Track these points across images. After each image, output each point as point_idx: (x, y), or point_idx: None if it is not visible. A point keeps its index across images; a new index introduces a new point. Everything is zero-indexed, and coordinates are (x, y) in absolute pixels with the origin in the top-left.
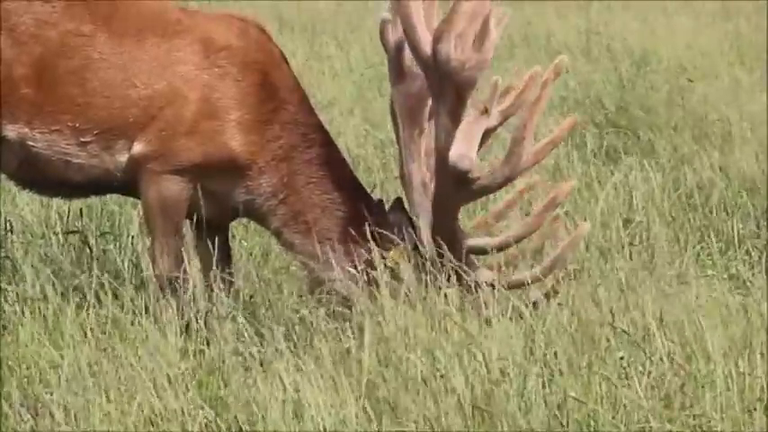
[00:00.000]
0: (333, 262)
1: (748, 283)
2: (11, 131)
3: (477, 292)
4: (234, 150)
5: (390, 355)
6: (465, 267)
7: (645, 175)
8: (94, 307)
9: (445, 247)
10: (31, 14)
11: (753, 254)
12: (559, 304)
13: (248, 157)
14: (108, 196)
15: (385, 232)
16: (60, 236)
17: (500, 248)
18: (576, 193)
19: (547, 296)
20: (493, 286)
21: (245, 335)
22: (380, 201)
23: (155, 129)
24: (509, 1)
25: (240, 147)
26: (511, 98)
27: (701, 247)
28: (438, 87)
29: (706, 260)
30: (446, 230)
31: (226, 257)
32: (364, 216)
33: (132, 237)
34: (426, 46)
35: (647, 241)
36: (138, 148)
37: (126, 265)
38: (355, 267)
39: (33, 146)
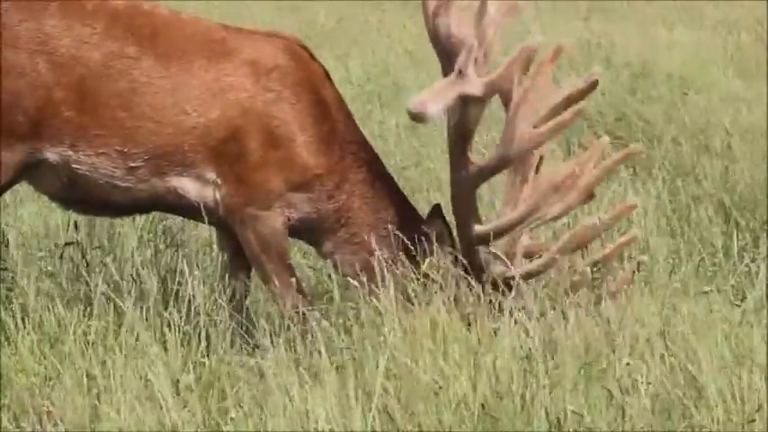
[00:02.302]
0: (379, 281)
1: (747, 296)
2: (53, 154)
3: (493, 287)
4: (310, 172)
5: (394, 364)
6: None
7: (643, 187)
8: (96, 319)
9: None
10: (70, 36)
11: (752, 267)
12: (564, 319)
13: (322, 179)
14: None
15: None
16: (60, 248)
17: (502, 233)
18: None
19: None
20: (507, 282)
21: (247, 346)
22: (436, 206)
23: (227, 166)
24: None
25: (314, 168)
26: (499, 69)
27: (700, 260)
28: (442, 64)
29: (705, 273)
30: (460, 218)
31: (247, 266)
32: (411, 232)
33: (132, 249)
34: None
35: (647, 253)
36: (222, 192)
37: (125, 276)
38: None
39: (78, 168)
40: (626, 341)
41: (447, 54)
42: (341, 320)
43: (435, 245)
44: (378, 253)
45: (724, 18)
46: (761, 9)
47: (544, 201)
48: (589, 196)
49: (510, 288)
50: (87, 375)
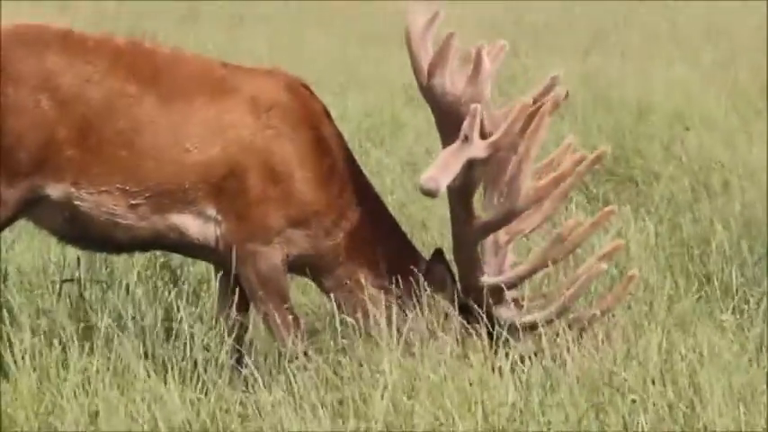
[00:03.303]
0: (379, 321)
1: (747, 332)
2: (55, 191)
3: (499, 330)
4: (309, 209)
5: (393, 402)
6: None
7: (642, 225)
8: (96, 356)
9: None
10: (72, 74)
11: (751, 302)
12: (561, 356)
13: (321, 216)
14: None
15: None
16: (58, 285)
17: (512, 285)
18: None
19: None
20: (513, 326)
21: (245, 383)
22: (438, 251)
23: (227, 202)
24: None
25: (312, 205)
26: (501, 129)
27: (700, 296)
28: (439, 122)
29: (705, 309)
30: (465, 270)
31: (246, 302)
32: (409, 271)
33: (129, 285)
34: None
35: (646, 290)
36: (222, 228)
37: (124, 313)
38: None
39: (80, 205)
40: (626, 378)
41: (444, 111)
42: (339, 358)
43: (435, 289)
44: (375, 292)
45: (721, 56)
46: (758, 46)
47: (551, 254)
48: (563, 200)
49: (512, 332)
50: (88, 413)
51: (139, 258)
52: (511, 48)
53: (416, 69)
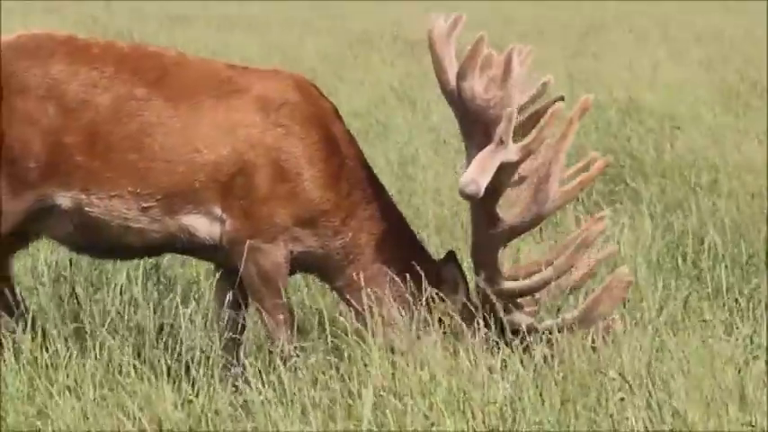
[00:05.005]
0: (389, 320)
1: (736, 331)
2: (65, 199)
3: (515, 336)
4: (317, 208)
5: (382, 401)
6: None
7: (632, 224)
8: (87, 357)
9: (487, 290)
10: (78, 81)
11: (740, 301)
12: (552, 355)
13: (328, 215)
14: None
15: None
16: (50, 285)
17: (531, 291)
18: None
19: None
20: (528, 331)
21: (236, 383)
22: (450, 252)
23: (234, 200)
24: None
25: (321, 204)
26: (533, 134)
27: (689, 295)
28: (465, 125)
29: (695, 308)
30: (486, 273)
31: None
32: (419, 272)
33: (121, 285)
34: (453, 81)
35: (636, 289)
36: (227, 225)
37: (115, 314)
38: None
39: (91, 212)
40: (615, 377)
41: (472, 114)
42: (329, 357)
43: (446, 290)
44: (384, 292)
45: (709, 55)
46: (746, 46)
47: (574, 261)
48: (567, 202)
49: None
50: (79, 414)
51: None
52: (499, 48)
53: (439, 72)
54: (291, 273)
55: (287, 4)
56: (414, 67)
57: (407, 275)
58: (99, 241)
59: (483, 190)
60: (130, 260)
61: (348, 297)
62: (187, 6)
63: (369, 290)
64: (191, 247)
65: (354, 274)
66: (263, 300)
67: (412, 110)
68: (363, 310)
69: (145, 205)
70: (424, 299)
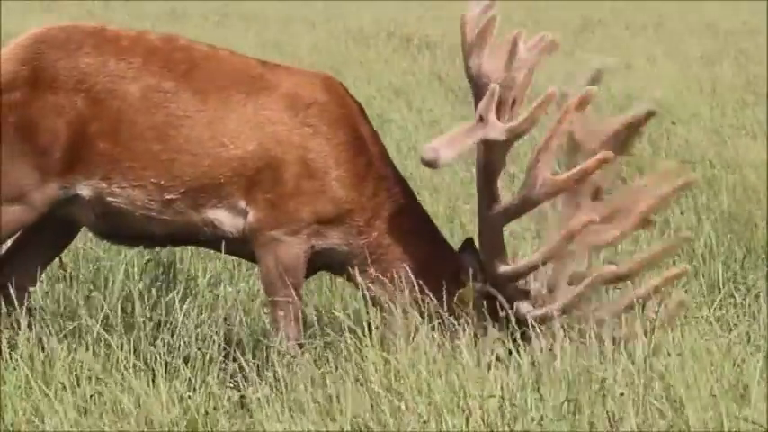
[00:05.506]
0: (411, 317)
1: (732, 327)
2: (87, 188)
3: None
4: (341, 207)
5: (378, 399)
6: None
7: None
8: (84, 353)
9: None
10: (106, 72)
11: (737, 297)
12: (550, 350)
13: (353, 214)
14: (94, 242)
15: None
16: (45, 283)
17: (519, 276)
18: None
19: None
20: (528, 320)
21: (231, 379)
22: (468, 240)
23: (258, 193)
24: None
25: (346, 203)
26: (523, 115)
27: (686, 290)
28: (475, 102)
29: (691, 303)
30: (487, 256)
31: None
32: (443, 270)
33: (117, 281)
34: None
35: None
36: (250, 216)
37: (113, 310)
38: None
39: (113, 201)
40: (615, 372)
41: (478, 92)
42: (326, 353)
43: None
44: (408, 290)
45: (706, 51)
46: (742, 41)
47: (564, 246)
48: (646, 223)
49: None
50: (76, 410)
51: (128, 255)
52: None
53: (465, 53)
54: (313, 270)
55: (284, 1)
56: (410, 63)
57: (431, 274)
58: (122, 230)
59: (443, 160)
60: (155, 248)
61: (371, 294)
62: (184, 2)
63: (391, 288)
64: (214, 239)
65: (377, 272)
66: (277, 292)
67: (408, 106)
68: (385, 308)
69: (168, 197)
70: (446, 299)
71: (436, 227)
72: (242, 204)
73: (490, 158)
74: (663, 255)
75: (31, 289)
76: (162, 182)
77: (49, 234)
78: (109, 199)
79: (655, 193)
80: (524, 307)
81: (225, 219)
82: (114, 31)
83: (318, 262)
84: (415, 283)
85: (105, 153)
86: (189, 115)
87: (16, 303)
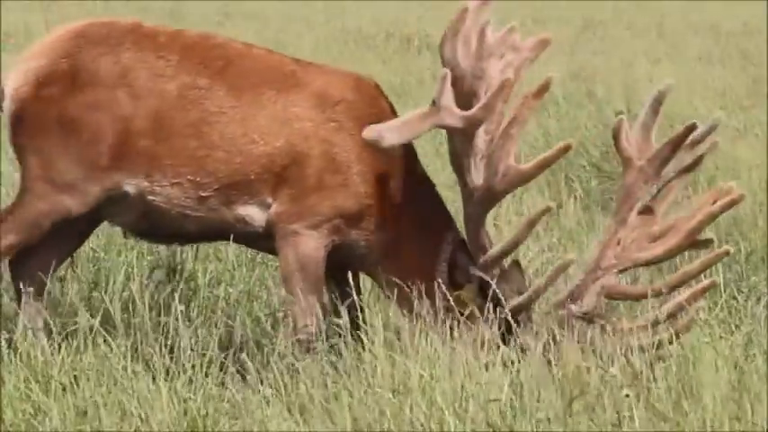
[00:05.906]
0: (430, 313)
1: (734, 328)
2: (131, 186)
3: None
4: (362, 203)
5: (378, 401)
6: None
7: None
8: (83, 354)
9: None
10: (146, 69)
11: (738, 299)
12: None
13: (372, 210)
14: (94, 243)
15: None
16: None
17: (498, 258)
18: (564, 241)
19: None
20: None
21: (233, 380)
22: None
23: (283, 188)
24: None
25: (366, 199)
26: (481, 103)
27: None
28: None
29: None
30: (471, 246)
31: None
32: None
33: (117, 282)
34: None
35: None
36: (272, 209)
37: (113, 311)
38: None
39: (153, 200)
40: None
41: (453, 81)
42: (329, 356)
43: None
44: (428, 288)
45: (707, 52)
46: (743, 42)
47: (526, 234)
48: (692, 242)
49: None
50: (76, 410)
51: (128, 255)
52: None
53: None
54: (333, 265)
55: (284, 1)
56: (410, 63)
57: (448, 269)
58: (160, 228)
59: (386, 142)
60: (187, 245)
61: (390, 291)
62: (184, 2)
63: (408, 286)
64: (245, 236)
65: (395, 269)
66: (296, 285)
67: (404, 105)
68: (404, 305)
69: (203, 194)
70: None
71: (456, 226)
72: (269, 200)
73: (454, 148)
74: (700, 270)
75: (48, 284)
76: (198, 179)
77: (71, 232)
78: (150, 197)
79: (703, 211)
80: (513, 303)
81: (255, 215)
82: (152, 27)
83: (336, 256)
84: (437, 281)
85: (147, 151)
86: (223, 112)
87: (32, 296)
